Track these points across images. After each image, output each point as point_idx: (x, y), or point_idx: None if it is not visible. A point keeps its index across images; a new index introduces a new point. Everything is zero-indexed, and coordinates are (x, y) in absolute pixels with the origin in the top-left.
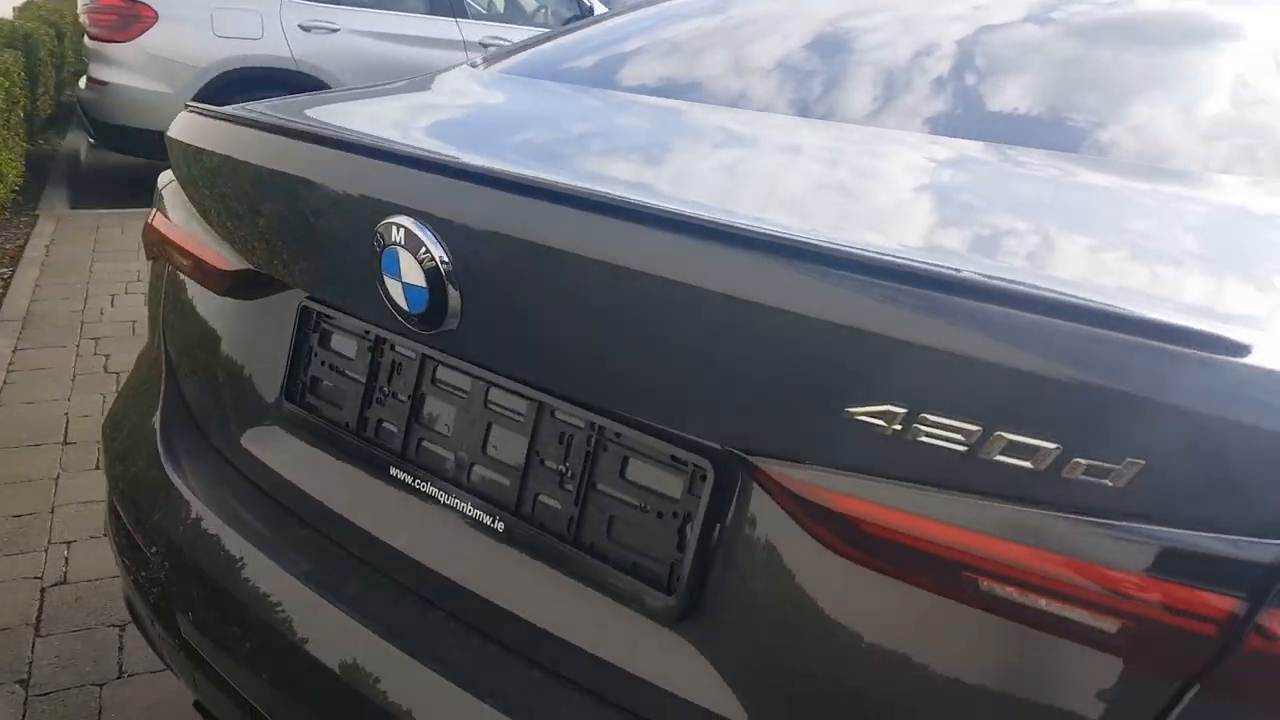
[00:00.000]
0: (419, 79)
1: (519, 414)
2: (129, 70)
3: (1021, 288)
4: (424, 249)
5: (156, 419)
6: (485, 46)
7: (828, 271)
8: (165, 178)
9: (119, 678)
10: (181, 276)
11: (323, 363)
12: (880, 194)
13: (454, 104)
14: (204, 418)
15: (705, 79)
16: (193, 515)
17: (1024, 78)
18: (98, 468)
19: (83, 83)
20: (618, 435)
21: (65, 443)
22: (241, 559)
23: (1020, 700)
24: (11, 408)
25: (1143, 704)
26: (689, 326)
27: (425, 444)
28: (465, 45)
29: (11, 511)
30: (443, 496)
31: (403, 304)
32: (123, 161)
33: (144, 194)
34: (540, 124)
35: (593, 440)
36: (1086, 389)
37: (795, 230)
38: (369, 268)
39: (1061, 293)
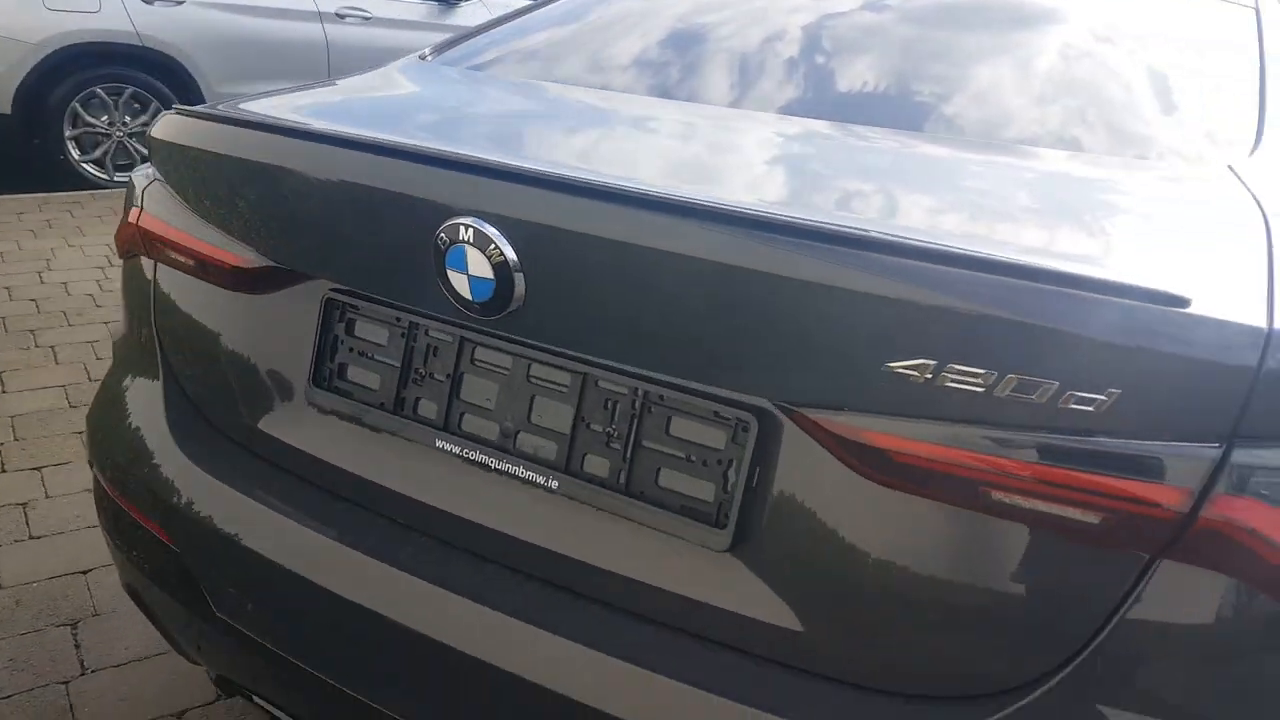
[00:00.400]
0: (379, 74)
1: (563, 385)
2: None
3: (1030, 263)
4: (492, 245)
5: (158, 412)
6: (341, 18)
7: (859, 254)
8: (143, 176)
9: (82, 674)
10: (177, 272)
11: (350, 349)
12: (903, 188)
13: (448, 101)
14: (210, 407)
15: (644, 69)
16: (215, 498)
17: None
18: (5, 470)
19: None
20: (661, 398)
21: None
22: (280, 535)
23: (1027, 584)
24: None
25: (1125, 574)
26: (739, 303)
27: (468, 416)
28: (321, 17)
29: None
30: (492, 461)
31: (466, 294)
32: None
33: None
34: (524, 119)
35: (637, 404)
36: (1077, 339)
37: (832, 218)
38: (427, 263)
39: (1063, 270)
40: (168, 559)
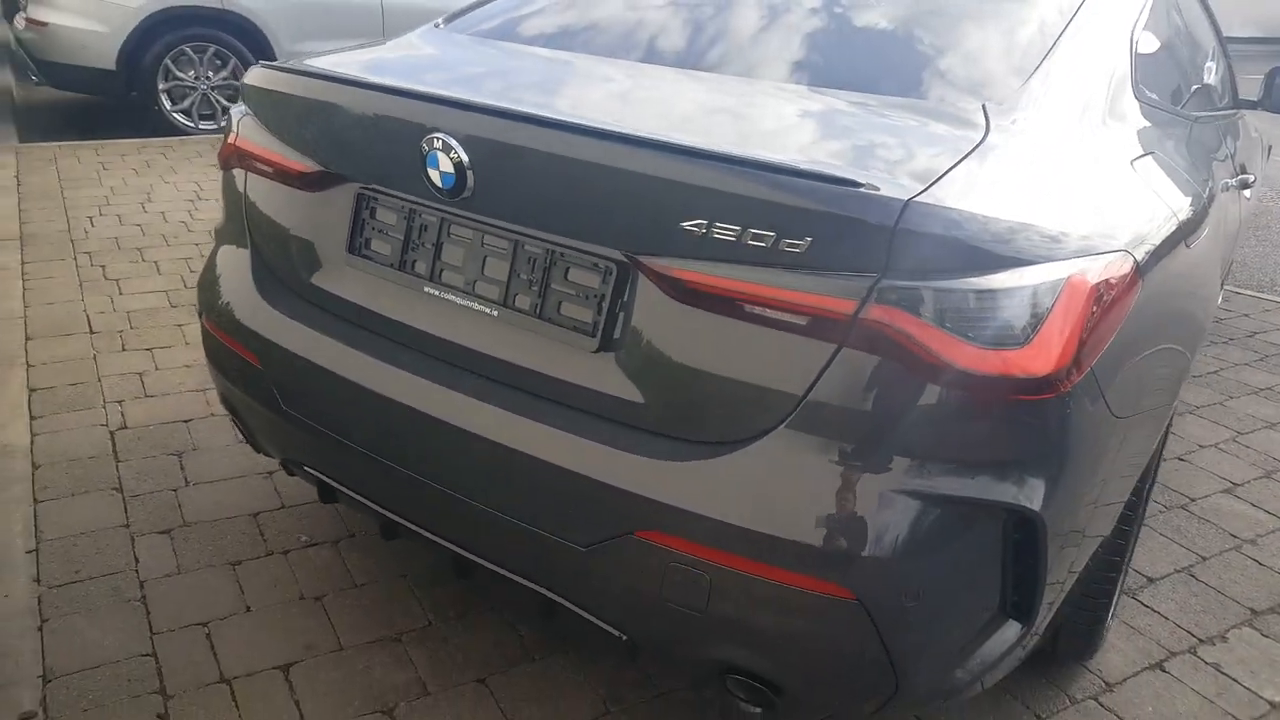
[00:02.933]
0: (402, 39)
1: (503, 249)
2: (67, 11)
3: (758, 157)
4: (453, 151)
5: (247, 273)
6: None
7: (667, 154)
8: (238, 111)
9: (186, 486)
10: (261, 178)
11: (373, 228)
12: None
13: (437, 58)
14: (280, 269)
15: (603, 31)
16: (284, 328)
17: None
18: (125, 349)
19: (20, 23)
20: (562, 254)
21: (91, 332)
22: (325, 350)
23: (766, 366)
24: (36, 308)
25: (821, 357)
26: (599, 187)
27: (445, 272)
28: None
29: (67, 381)
30: (458, 300)
31: (439, 184)
32: (53, 97)
33: (84, 127)
34: (497, 71)
35: (548, 258)
36: (786, 207)
37: (656, 133)
38: (417, 164)
39: (778, 162)
40: (252, 373)
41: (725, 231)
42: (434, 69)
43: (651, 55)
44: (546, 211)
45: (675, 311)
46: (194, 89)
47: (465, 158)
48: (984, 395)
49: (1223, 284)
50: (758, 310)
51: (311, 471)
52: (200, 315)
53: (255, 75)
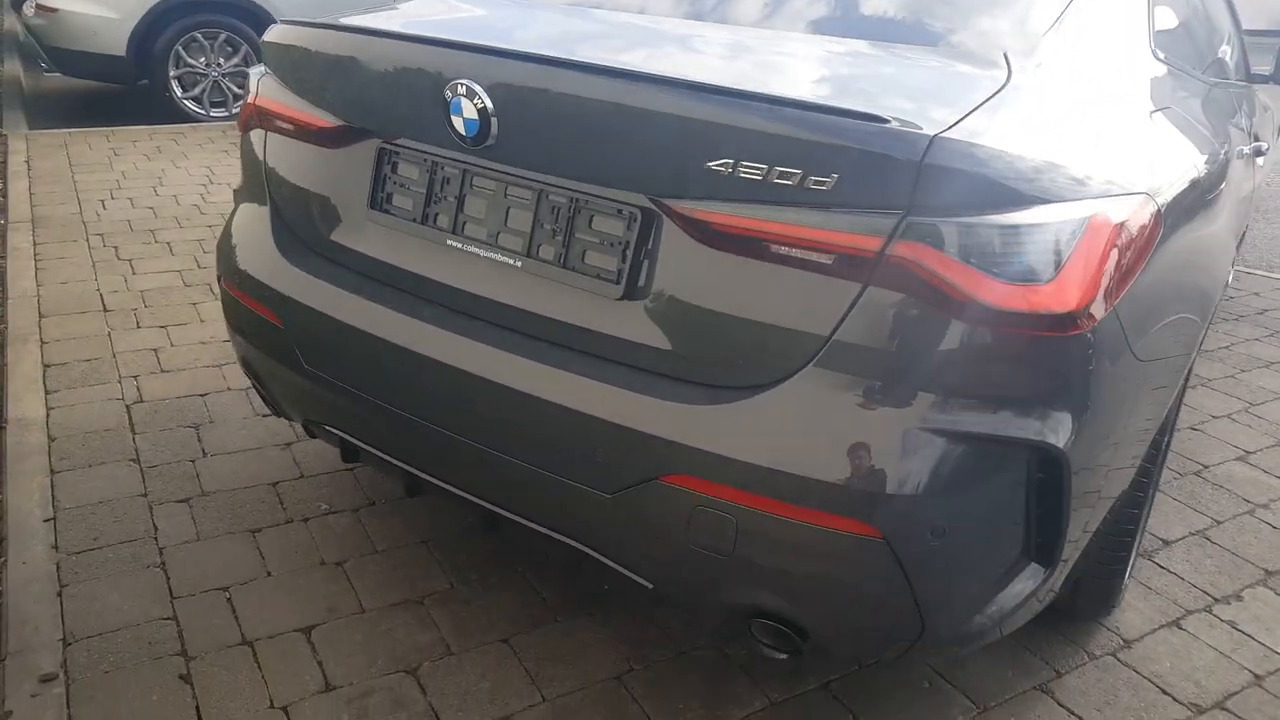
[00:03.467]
0: None
1: (526, 199)
2: None
3: (784, 95)
4: (476, 97)
5: (267, 233)
6: None
7: (692, 94)
8: (256, 72)
9: (204, 457)
10: (282, 136)
11: (395, 183)
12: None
13: (456, 10)
14: (301, 228)
15: None
16: (306, 286)
17: None
18: (139, 327)
19: (30, 9)
20: (586, 201)
21: (105, 310)
22: (349, 307)
23: (796, 306)
24: (50, 287)
25: (848, 295)
26: (623, 129)
27: (468, 224)
28: None
29: (82, 357)
30: (482, 252)
31: (462, 131)
32: (63, 85)
33: (94, 114)
34: (519, 20)
35: (572, 207)
36: (812, 144)
37: (678, 74)
38: (440, 112)
39: (803, 99)
40: (273, 333)
41: (751, 171)
42: (455, 21)
43: (675, 9)
44: (570, 158)
45: (700, 255)
46: (205, 76)
47: (489, 104)
48: (1009, 332)
49: (1237, 249)
50: (784, 250)
51: (334, 431)
52: (219, 279)
53: (276, 32)
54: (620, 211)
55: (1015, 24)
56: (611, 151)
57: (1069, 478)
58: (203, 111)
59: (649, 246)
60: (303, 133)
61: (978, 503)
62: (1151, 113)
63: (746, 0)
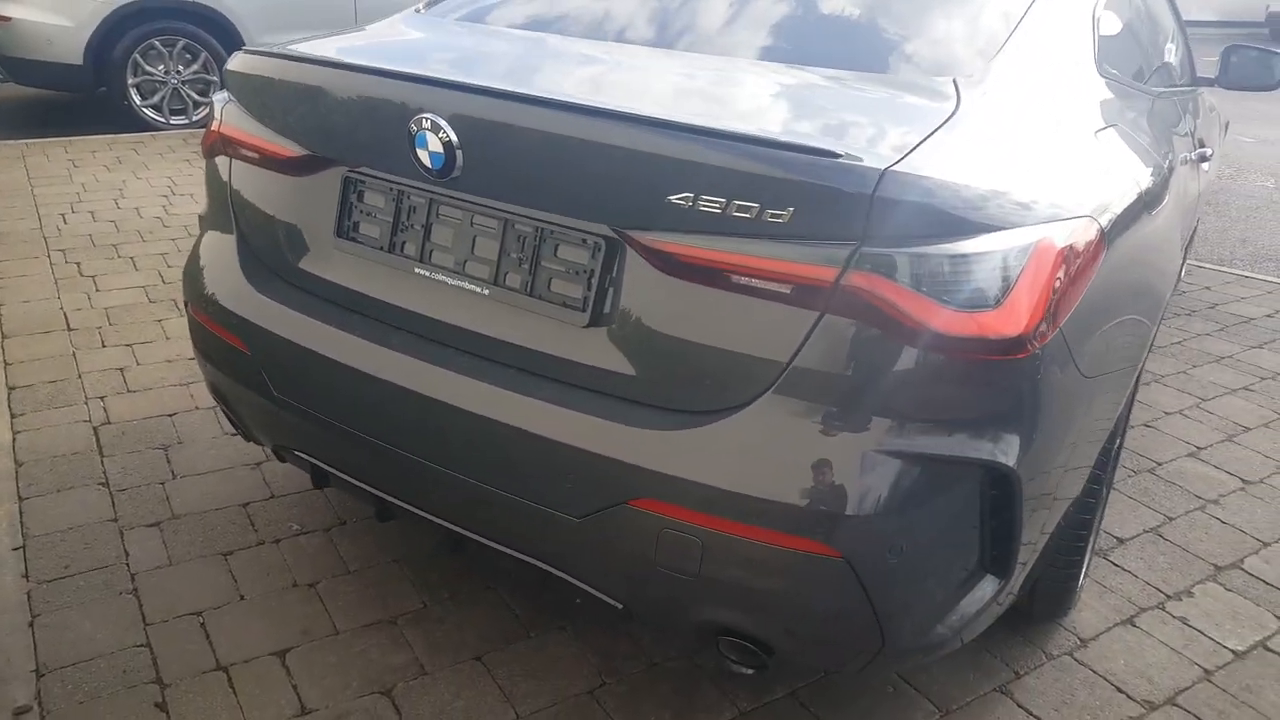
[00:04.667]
0: (384, 23)
1: (493, 228)
2: (31, 6)
3: (740, 130)
4: (441, 131)
5: (234, 260)
6: None
7: (652, 129)
8: (221, 98)
9: (174, 479)
10: (246, 164)
11: (361, 211)
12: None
13: (419, 41)
14: (268, 255)
15: (574, 17)
16: (273, 314)
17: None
18: (104, 346)
19: None
20: (551, 231)
21: (69, 329)
22: (315, 335)
23: (753, 333)
24: (11, 306)
25: (805, 323)
26: (585, 163)
27: (435, 253)
28: None
29: (46, 378)
30: (449, 281)
31: (428, 164)
32: (19, 94)
33: (52, 124)
34: (481, 52)
35: (537, 236)
36: (769, 179)
37: (638, 109)
38: (405, 145)
39: (759, 134)
40: (241, 360)
41: (710, 204)
42: (418, 51)
43: (629, 36)
44: (535, 189)
45: (663, 284)
46: (164, 83)
47: (454, 137)
48: (959, 356)
49: (1184, 255)
50: (743, 280)
51: (304, 456)
52: (186, 305)
53: (238, 61)
54: (585, 241)
55: (964, 49)
56: (575, 183)
57: (1021, 493)
58: (162, 119)
59: (613, 275)
60: (267, 161)
61: (934, 520)
62: (1097, 131)
63: (701, 28)
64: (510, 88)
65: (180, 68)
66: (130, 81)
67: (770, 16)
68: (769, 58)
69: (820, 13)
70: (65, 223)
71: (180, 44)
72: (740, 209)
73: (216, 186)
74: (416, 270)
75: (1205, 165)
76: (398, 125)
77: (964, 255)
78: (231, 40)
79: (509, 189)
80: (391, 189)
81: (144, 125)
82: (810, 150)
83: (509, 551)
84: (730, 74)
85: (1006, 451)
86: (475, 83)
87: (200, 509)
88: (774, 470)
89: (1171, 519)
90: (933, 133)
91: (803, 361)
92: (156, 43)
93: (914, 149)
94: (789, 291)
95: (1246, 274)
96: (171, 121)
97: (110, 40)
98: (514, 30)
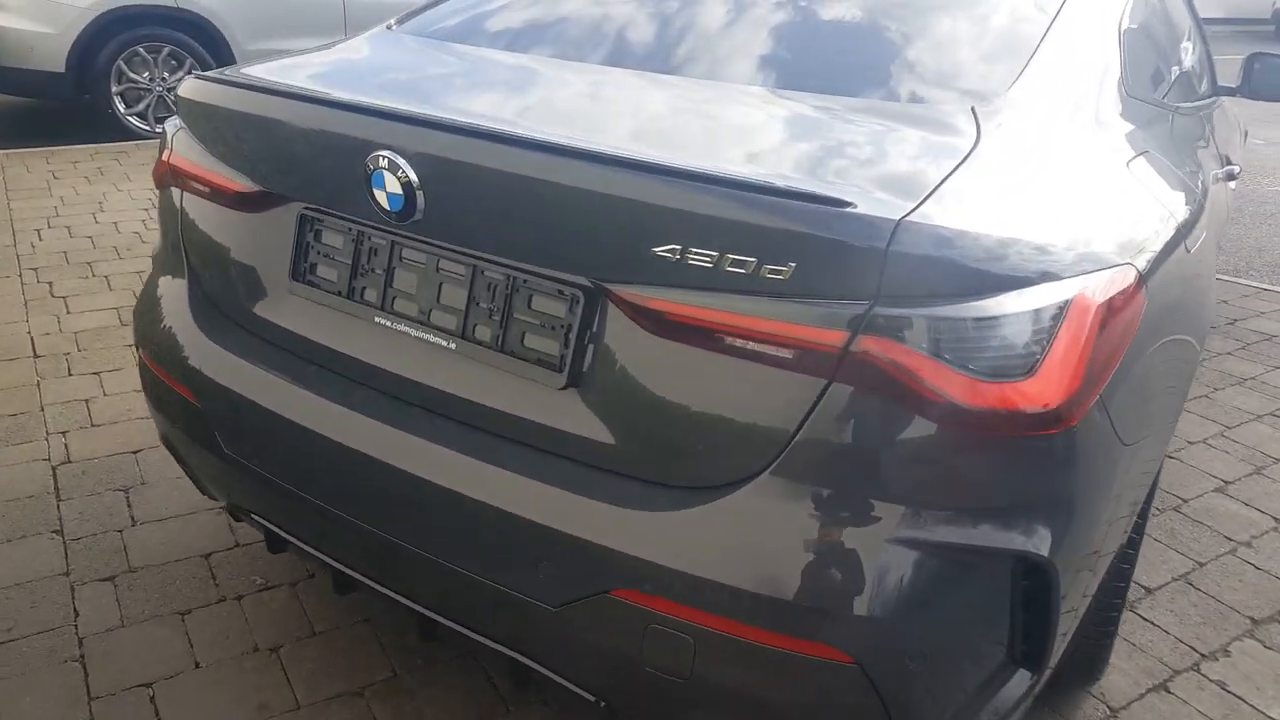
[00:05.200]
0: (351, 42)
1: (460, 274)
2: (12, 12)
3: (729, 174)
4: (400, 170)
5: (184, 303)
6: None
7: (632, 173)
8: (173, 125)
9: (133, 525)
10: (198, 199)
11: (318, 251)
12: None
13: (386, 64)
14: (221, 298)
15: (562, 36)
16: (224, 365)
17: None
18: (70, 374)
19: None
20: (525, 280)
21: (35, 356)
22: (267, 389)
23: (749, 403)
24: None
25: (810, 393)
26: (560, 209)
27: (398, 300)
28: None
29: (6, 412)
30: (412, 332)
31: (386, 206)
32: (1, 103)
33: (35, 133)
34: (451, 78)
35: (509, 285)
36: (767, 230)
37: (617, 148)
38: (362, 184)
39: (754, 179)
40: (191, 413)
41: (701, 257)
42: (381, 77)
43: (616, 58)
44: (505, 236)
45: (649, 344)
46: (149, 91)
47: (414, 177)
48: (986, 433)
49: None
50: (739, 343)
51: (259, 519)
52: (137, 348)
53: (188, 87)
54: (562, 293)
55: (980, 74)
56: (550, 230)
57: (1057, 584)
58: (148, 128)
59: (594, 331)
60: (219, 196)
61: (958, 618)
62: (1129, 161)
63: (693, 50)
64: (477, 123)
65: (166, 75)
66: (114, 89)
67: (766, 37)
68: (765, 83)
69: (820, 33)
70: (40, 239)
71: (165, 50)
72: (735, 263)
73: (168, 222)
74: (377, 319)
75: (1232, 184)
76: (353, 162)
77: (991, 317)
78: (218, 47)
79: (476, 234)
80: (351, 229)
81: (129, 134)
82: (814, 198)
83: (479, 639)
84: (721, 104)
85: (1040, 540)
86: (438, 116)
87: (159, 560)
88: (775, 561)
89: (1202, 564)
90: (951, 173)
91: (808, 436)
92: (141, 49)
93: (931, 193)
94: (791, 356)
95: (1266, 286)
96: (157, 130)
97: (94, 47)
98: (489, 52)
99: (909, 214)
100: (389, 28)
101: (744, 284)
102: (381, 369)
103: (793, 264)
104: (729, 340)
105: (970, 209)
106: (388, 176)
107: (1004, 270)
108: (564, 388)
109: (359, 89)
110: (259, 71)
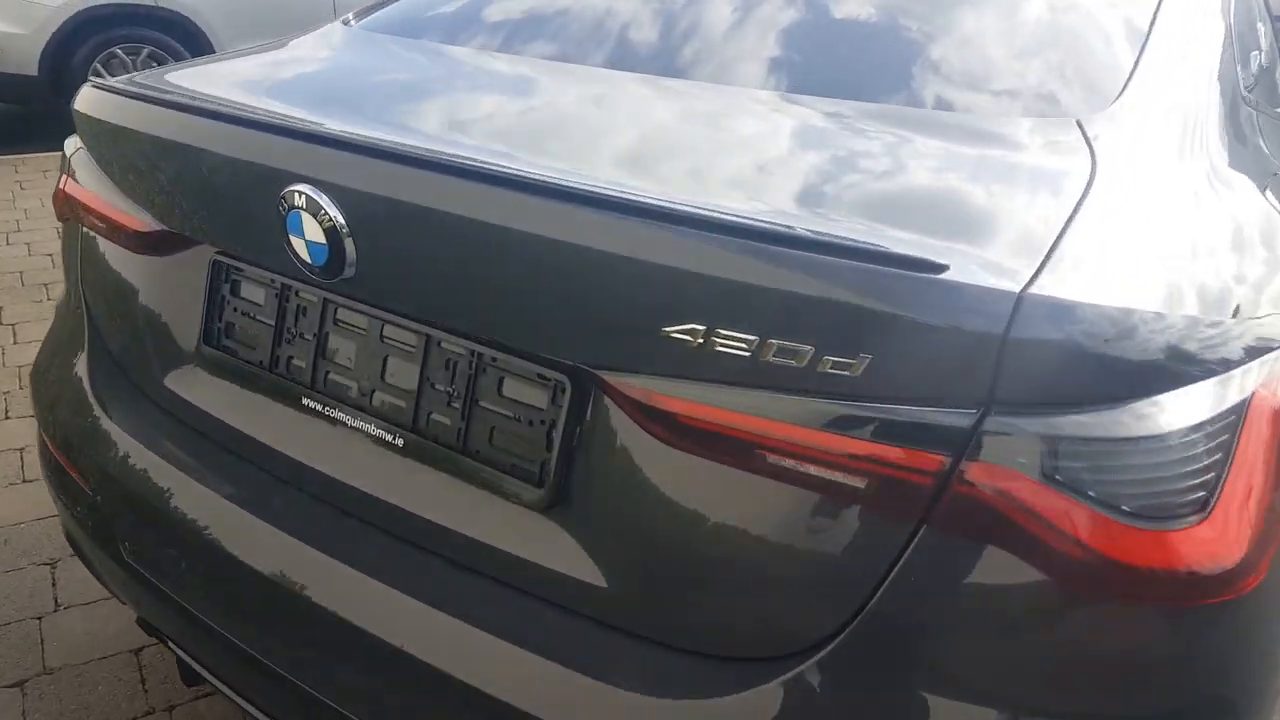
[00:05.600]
0: (298, 40)
1: (410, 346)
2: None
3: (775, 228)
4: (323, 211)
5: (83, 367)
6: None
7: (637, 221)
8: (72, 145)
9: (55, 610)
10: (97, 236)
11: (235, 309)
12: (690, 146)
13: (335, 69)
14: (127, 363)
15: (555, 36)
16: (124, 451)
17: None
18: (7, 417)
19: None
20: (494, 360)
21: None
22: (173, 487)
23: (803, 547)
24: None
25: (892, 539)
26: (540, 269)
27: (331, 375)
28: None
29: None
30: (349, 420)
31: (306, 258)
32: None
33: (4, 141)
34: (410, 88)
35: (473, 364)
36: (828, 305)
37: (616, 186)
38: (275, 228)
39: (813, 234)
40: (88, 504)
41: (734, 342)
42: (320, 86)
43: (619, 57)
44: (464, 302)
45: (659, 456)
46: None
47: (341, 221)
48: (1138, 601)
49: None
50: (787, 463)
51: (168, 644)
52: (36, 415)
53: (84, 98)
54: (543, 377)
55: (1077, 78)
56: (524, 297)
57: None
58: None
59: (584, 430)
60: (119, 234)
61: None
62: (1264, 189)
63: (714, 46)
64: (427, 149)
65: None
66: None
67: (807, 27)
68: (808, 89)
69: (874, 23)
70: None
71: (145, 52)
72: (783, 352)
73: (70, 263)
74: (306, 401)
75: None
76: (265, 199)
77: (1148, 435)
78: (200, 47)
79: (426, 299)
80: (274, 280)
81: None
82: (896, 260)
83: None
84: (756, 119)
85: None
86: (374, 140)
87: (80, 657)
88: None
89: None
90: (1070, 219)
91: (888, 601)
92: (119, 51)
93: (1051, 251)
94: (864, 486)
95: None
96: None
97: (68, 48)
98: (462, 51)
99: (1031, 283)
100: (346, 23)
101: (795, 380)
102: (310, 467)
103: (866, 355)
104: (773, 459)
105: (1103, 271)
106: (306, 219)
107: (1158, 360)
108: (546, 507)
109: (284, 101)
110: (172, 77)
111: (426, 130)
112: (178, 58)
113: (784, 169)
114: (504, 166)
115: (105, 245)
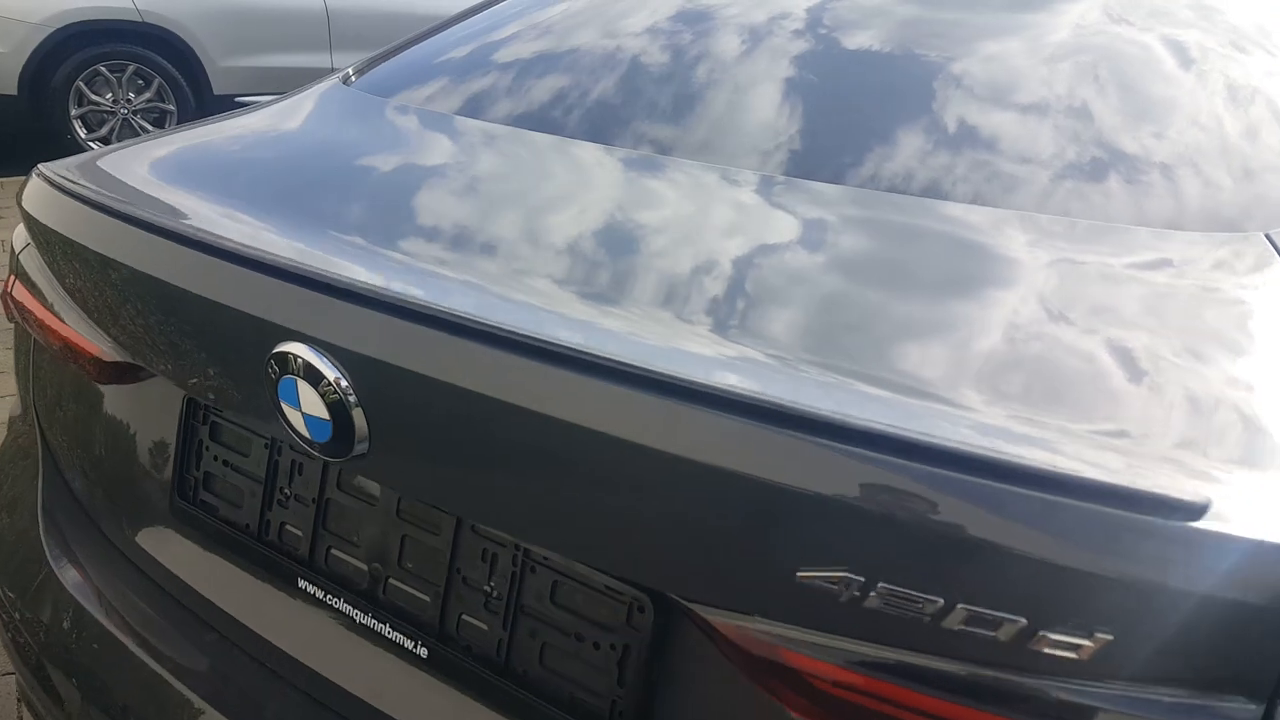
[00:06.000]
0: (290, 106)
1: (436, 525)
2: None
3: (984, 452)
4: (324, 381)
5: (37, 501)
6: None
7: (780, 433)
8: (20, 239)
9: None
10: (52, 354)
11: (215, 458)
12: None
13: (336, 163)
14: (93, 506)
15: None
16: (83, 617)
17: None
18: None
19: None
20: (546, 558)
21: None
22: (139, 668)
23: None
24: None
25: None
26: (619, 473)
27: (334, 552)
28: None
29: None
30: (357, 615)
31: (305, 433)
32: None
33: None
34: (434, 196)
35: (519, 560)
36: (1052, 564)
37: (739, 385)
38: (265, 391)
39: (1030, 464)
40: (40, 672)
41: (897, 600)
42: (319, 190)
43: (681, 142)
44: (507, 506)
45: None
46: (113, 114)
47: (351, 393)
48: None
49: None
50: None
51: None
52: None
53: (31, 194)
54: (613, 590)
55: (1245, 175)
56: (594, 509)
57: None
58: None
59: (667, 663)
60: (76, 357)
61: None
62: None
63: (809, 126)
64: (462, 311)
65: (131, 95)
66: (73, 112)
67: (922, 119)
68: (953, 193)
69: (997, 107)
70: None
71: (130, 69)
72: (973, 620)
73: (20, 372)
74: (301, 582)
75: None
76: (249, 359)
77: None
78: (188, 65)
79: (451, 489)
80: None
81: None
82: (1137, 500)
83: None
84: (875, 242)
85: None
86: (390, 291)
87: None
88: None
89: None
90: None
91: None
92: (103, 68)
93: None
94: None
95: None
96: None
97: (49, 67)
98: (486, 128)
99: None
100: (345, 83)
101: (989, 657)
102: (308, 668)
103: (1105, 632)
104: None
105: None
106: (303, 389)
107: None
108: None
109: (273, 217)
110: (137, 165)
111: (459, 265)
112: (165, 76)
113: (957, 340)
114: (573, 345)
115: (62, 366)
